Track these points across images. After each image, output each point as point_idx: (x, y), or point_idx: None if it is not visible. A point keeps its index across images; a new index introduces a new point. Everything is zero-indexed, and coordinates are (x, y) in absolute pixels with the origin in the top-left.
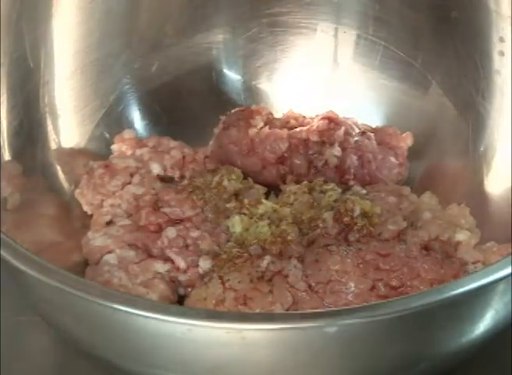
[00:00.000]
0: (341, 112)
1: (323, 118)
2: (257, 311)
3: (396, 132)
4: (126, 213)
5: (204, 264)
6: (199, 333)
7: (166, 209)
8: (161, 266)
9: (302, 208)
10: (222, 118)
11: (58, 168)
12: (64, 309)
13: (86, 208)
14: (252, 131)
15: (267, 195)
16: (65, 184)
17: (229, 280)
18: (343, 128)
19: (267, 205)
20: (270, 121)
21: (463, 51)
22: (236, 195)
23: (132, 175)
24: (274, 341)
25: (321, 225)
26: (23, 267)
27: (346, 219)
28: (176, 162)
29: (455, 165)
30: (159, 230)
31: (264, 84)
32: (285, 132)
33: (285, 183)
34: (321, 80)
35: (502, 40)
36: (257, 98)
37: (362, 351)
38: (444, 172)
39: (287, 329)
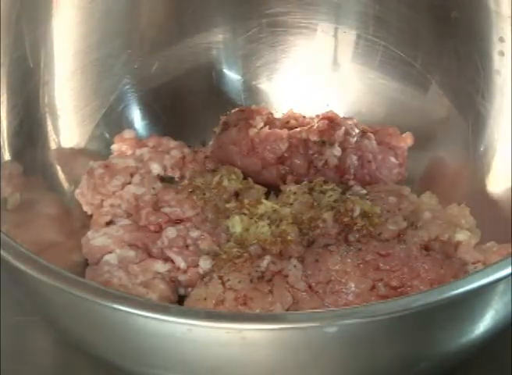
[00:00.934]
0: (341, 112)
1: (323, 118)
2: (257, 311)
3: (396, 132)
4: (126, 213)
5: (204, 264)
6: (199, 333)
7: (166, 209)
8: (161, 266)
9: (302, 208)
10: (222, 118)
11: (58, 168)
12: (64, 309)
13: (86, 208)
14: (252, 131)
15: (267, 195)
16: (65, 184)
17: (229, 280)
18: (343, 128)
19: (267, 205)
20: (270, 121)
21: (463, 52)
22: (236, 195)
23: (132, 175)
24: (274, 341)
25: (321, 225)
26: (23, 267)
27: (346, 219)
28: (176, 162)
29: (455, 165)
30: (159, 230)
31: (264, 84)
32: (285, 132)
33: (285, 184)
34: (321, 80)
35: (502, 40)
36: (257, 98)
37: (362, 351)
38: (444, 172)
39: (287, 329)
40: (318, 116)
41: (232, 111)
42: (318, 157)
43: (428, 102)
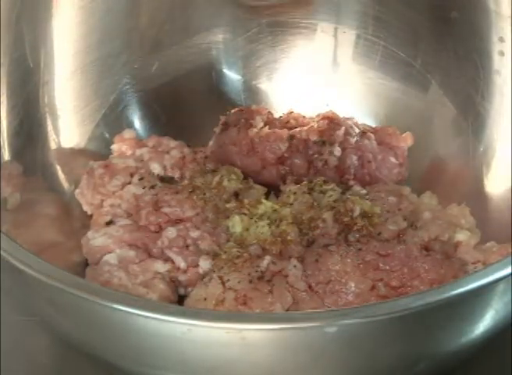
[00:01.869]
0: (341, 112)
1: (323, 118)
2: (257, 311)
3: (396, 132)
4: (126, 213)
5: (204, 264)
6: (199, 333)
7: (166, 209)
8: (161, 266)
9: (302, 208)
10: (222, 118)
11: (58, 168)
12: (64, 309)
13: (86, 208)
14: (252, 131)
15: (267, 195)
16: (65, 184)
17: (229, 280)
18: (343, 128)
19: (267, 205)
20: (270, 121)
21: (462, 52)
22: (236, 195)
23: (132, 175)
24: (274, 341)
25: (321, 225)
26: (23, 267)
27: (346, 219)
28: (176, 162)
29: (455, 165)
30: (159, 230)
31: (264, 84)
32: (285, 132)
33: (285, 184)
34: (321, 80)
35: (502, 40)
36: (257, 98)
37: (362, 352)
38: (444, 172)
39: (287, 329)
40: (318, 115)
41: (232, 111)
42: (318, 157)
43: (428, 102)
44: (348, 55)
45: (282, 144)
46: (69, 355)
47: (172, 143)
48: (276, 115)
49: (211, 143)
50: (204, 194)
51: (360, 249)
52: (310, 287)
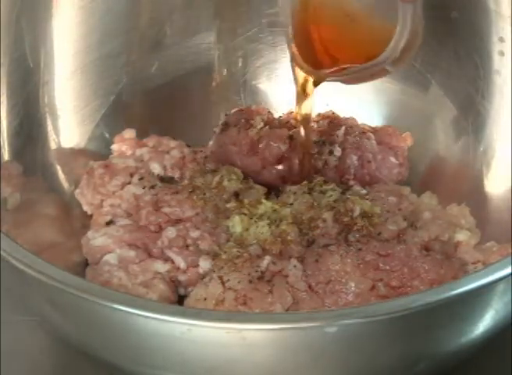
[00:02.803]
0: (341, 112)
1: (323, 118)
2: (257, 311)
3: (396, 132)
4: (126, 213)
5: (204, 264)
6: (199, 333)
7: (166, 209)
8: (161, 266)
9: (302, 208)
10: (222, 118)
11: (58, 168)
12: (64, 309)
13: (86, 208)
14: (252, 131)
15: (267, 195)
16: (65, 184)
17: (229, 280)
18: (343, 128)
19: (267, 205)
20: (270, 121)
21: (463, 51)
22: (236, 195)
23: (132, 175)
24: (274, 341)
25: (321, 225)
26: (23, 267)
27: (346, 219)
28: (176, 162)
29: (455, 165)
30: (159, 230)
31: (264, 84)
32: (285, 132)
33: (285, 183)
34: None
35: (502, 40)
36: (257, 98)
37: (362, 352)
38: (444, 172)
39: (287, 329)
40: (318, 115)
41: (232, 111)
42: (318, 157)
43: (428, 102)
44: None
45: (282, 144)
46: (69, 355)
47: (172, 143)
48: (276, 115)
49: (211, 143)
50: (204, 194)
51: (360, 249)
52: (310, 287)
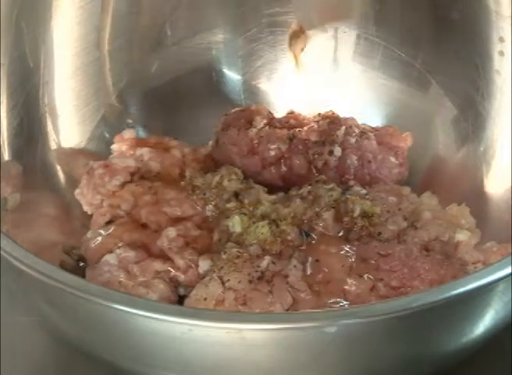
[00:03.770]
0: (341, 112)
1: (323, 118)
2: (257, 311)
3: (396, 132)
4: (125, 213)
5: (204, 264)
6: (199, 333)
7: (166, 209)
8: (160, 266)
9: (302, 208)
10: (222, 118)
11: (58, 168)
12: (64, 309)
13: (86, 208)
14: (252, 131)
15: (267, 195)
16: (65, 184)
17: (229, 280)
18: (343, 128)
19: (267, 205)
20: (270, 121)
21: (463, 51)
22: (236, 195)
23: (132, 175)
24: (274, 341)
25: (321, 225)
26: (23, 267)
27: (346, 219)
28: (176, 162)
29: (455, 165)
30: (159, 229)
31: (264, 84)
32: (285, 132)
33: (285, 183)
34: (321, 80)
35: (502, 40)
36: (257, 98)
37: (362, 352)
38: (444, 172)
39: (287, 329)
40: (318, 115)
41: (232, 111)
42: (318, 157)
43: (428, 102)
44: (348, 54)
45: (283, 144)
46: (69, 355)
47: (173, 143)
48: (276, 115)
49: (211, 143)
50: (204, 194)
51: (360, 249)
52: (310, 287)
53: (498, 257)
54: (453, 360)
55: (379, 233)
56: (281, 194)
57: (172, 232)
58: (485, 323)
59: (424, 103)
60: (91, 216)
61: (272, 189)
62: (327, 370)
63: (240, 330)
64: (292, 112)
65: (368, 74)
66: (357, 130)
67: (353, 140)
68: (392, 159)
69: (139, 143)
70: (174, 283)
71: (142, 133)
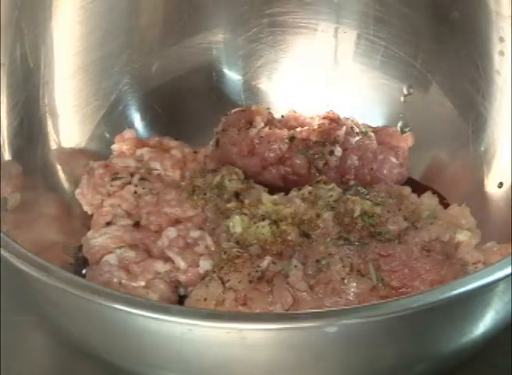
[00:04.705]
0: (341, 112)
1: (323, 118)
2: (258, 311)
3: (396, 132)
4: (126, 213)
5: (204, 264)
6: (199, 333)
7: (166, 209)
8: (161, 266)
9: (302, 208)
10: (223, 118)
11: (58, 168)
12: (64, 309)
13: (86, 208)
14: (252, 131)
15: (267, 195)
16: (65, 184)
17: (229, 280)
18: (343, 128)
19: (267, 206)
20: (270, 121)
21: (463, 52)
22: (237, 195)
23: (132, 175)
24: (274, 341)
25: (321, 225)
26: (23, 267)
27: (346, 219)
28: (176, 162)
29: (455, 165)
30: (159, 230)
31: (265, 84)
32: (285, 132)
33: (285, 183)
34: (321, 80)
35: (502, 40)
36: (257, 98)
37: (362, 351)
38: (444, 172)
39: (287, 329)
40: (318, 115)
41: (233, 111)
42: (318, 157)
43: (428, 102)
44: (349, 54)
45: (282, 144)
46: (69, 355)
47: (173, 143)
48: (276, 115)
49: (211, 143)
50: (205, 194)
51: (360, 249)
52: (310, 287)
53: (498, 257)
54: (453, 360)
55: (380, 234)
56: (281, 194)
57: (172, 232)
58: (485, 323)
59: (424, 103)
60: (91, 216)
61: (272, 189)
62: (327, 370)
63: (240, 330)
64: (292, 112)
65: (368, 74)
66: (357, 130)
67: (353, 140)
68: (393, 159)
69: (139, 143)
70: (174, 283)
71: (142, 134)
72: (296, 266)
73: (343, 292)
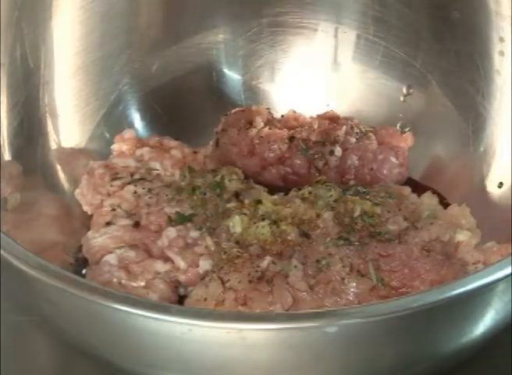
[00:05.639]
0: (341, 112)
1: (323, 118)
2: (258, 311)
3: (396, 132)
4: (126, 213)
5: (204, 264)
6: (199, 333)
7: (166, 209)
8: (161, 266)
9: (302, 208)
10: (223, 118)
11: (58, 168)
12: (64, 309)
13: (86, 208)
14: (252, 131)
15: (267, 195)
16: (65, 184)
17: (229, 280)
18: (343, 128)
19: (267, 206)
20: (270, 121)
21: (463, 51)
22: (237, 195)
23: (132, 175)
24: (274, 341)
25: (321, 225)
26: (23, 267)
27: (346, 219)
28: (176, 162)
29: (455, 165)
30: (159, 230)
31: (265, 84)
32: (285, 132)
33: (285, 183)
34: (321, 80)
35: (502, 40)
36: (258, 98)
37: (362, 351)
38: (444, 172)
39: (287, 329)
40: (318, 115)
41: (233, 111)
42: (318, 157)
43: (428, 102)
44: (349, 54)
45: (282, 144)
46: (69, 355)
47: (173, 143)
48: (276, 115)
49: (211, 143)
50: (205, 194)
51: (360, 249)
52: (310, 287)
53: (498, 257)
54: (453, 360)
55: (380, 234)
56: (281, 194)
57: (172, 232)
58: (485, 323)
59: (425, 103)
60: (91, 216)
61: (272, 189)
62: (327, 370)
63: (240, 330)
64: (292, 112)
65: (368, 74)
66: (357, 130)
67: (353, 140)
68: (393, 159)
69: (139, 143)
70: (174, 283)
71: (142, 133)
72: (296, 266)
73: (343, 292)
